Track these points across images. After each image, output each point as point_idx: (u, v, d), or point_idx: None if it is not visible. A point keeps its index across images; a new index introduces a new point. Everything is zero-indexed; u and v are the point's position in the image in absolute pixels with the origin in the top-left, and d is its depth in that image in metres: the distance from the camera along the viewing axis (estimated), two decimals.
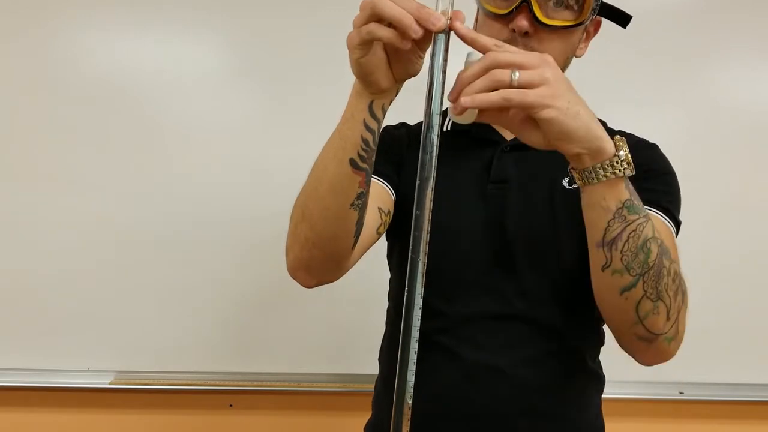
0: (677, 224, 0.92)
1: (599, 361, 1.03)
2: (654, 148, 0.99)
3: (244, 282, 1.64)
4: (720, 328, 1.69)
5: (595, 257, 0.77)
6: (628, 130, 1.02)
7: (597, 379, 1.02)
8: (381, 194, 0.95)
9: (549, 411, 0.95)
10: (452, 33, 0.64)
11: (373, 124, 0.75)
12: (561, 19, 0.87)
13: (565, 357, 0.95)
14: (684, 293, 0.78)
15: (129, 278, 1.61)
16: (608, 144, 0.70)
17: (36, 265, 1.60)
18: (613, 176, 0.70)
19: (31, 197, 1.58)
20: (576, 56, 0.96)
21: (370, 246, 0.94)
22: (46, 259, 1.59)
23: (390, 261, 1.09)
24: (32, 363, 1.61)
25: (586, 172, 0.71)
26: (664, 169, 0.95)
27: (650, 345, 0.79)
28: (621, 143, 0.71)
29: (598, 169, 0.70)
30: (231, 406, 1.72)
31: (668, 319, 0.76)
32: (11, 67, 1.58)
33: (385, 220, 0.94)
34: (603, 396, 1.05)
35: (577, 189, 0.89)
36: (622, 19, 0.94)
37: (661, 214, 0.89)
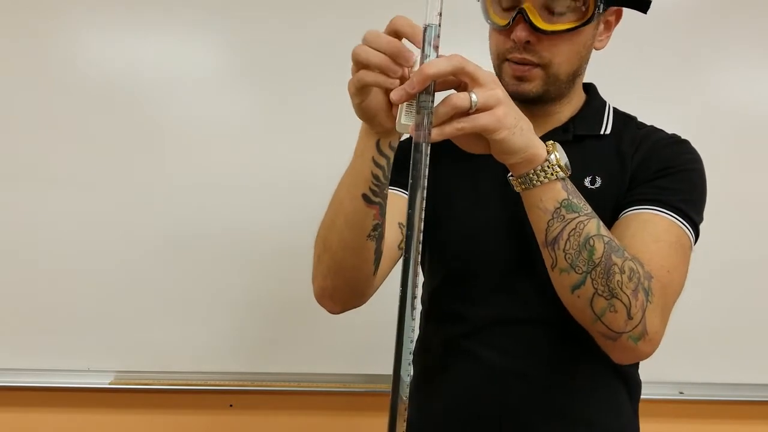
0: (694, 225, 0.89)
1: (634, 364, 1.00)
2: (682, 143, 0.96)
3: (245, 282, 1.64)
4: (720, 328, 1.68)
5: (544, 257, 0.78)
6: (659, 127, 1.00)
7: (628, 383, 0.99)
8: (403, 207, 0.95)
9: (573, 415, 0.94)
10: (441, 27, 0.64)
11: (382, 161, 0.78)
12: (565, 20, 0.86)
13: (590, 360, 0.93)
14: (648, 291, 0.76)
15: (129, 278, 1.62)
16: (541, 150, 0.72)
17: (36, 265, 1.60)
18: (546, 180, 0.73)
19: (31, 197, 1.59)
20: (596, 48, 0.95)
21: (395, 264, 0.95)
22: (46, 259, 1.60)
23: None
24: (32, 363, 1.62)
25: (521, 179, 0.74)
26: (685, 165, 0.93)
27: (615, 343, 0.78)
28: (552, 148, 0.73)
29: (531, 175, 0.73)
30: (231, 406, 1.72)
31: (630, 317, 0.75)
32: (11, 66, 1.58)
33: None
34: None
35: (599, 189, 0.89)
36: (640, 4, 0.92)
37: (671, 214, 0.87)
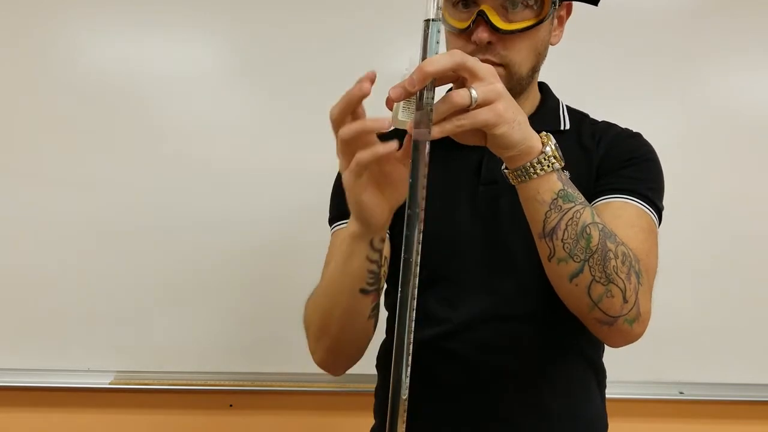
0: (658, 211, 0.92)
1: (602, 352, 1.04)
2: (636, 137, 1.00)
3: (244, 282, 1.64)
4: (720, 328, 1.68)
5: (541, 248, 0.78)
6: (612, 122, 1.03)
7: (597, 372, 1.03)
8: None
9: (557, 410, 0.95)
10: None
11: (376, 256, 0.78)
12: (522, 19, 0.87)
13: (567, 352, 0.96)
14: (639, 274, 0.78)
15: (129, 278, 1.62)
16: (536, 142, 0.72)
17: (36, 264, 1.60)
18: (542, 172, 0.72)
19: (31, 197, 1.59)
20: (551, 44, 0.96)
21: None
22: (46, 259, 1.60)
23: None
24: (32, 363, 1.62)
25: (517, 172, 0.73)
26: (645, 156, 0.95)
27: (611, 328, 0.80)
28: (546, 139, 0.73)
29: (528, 167, 0.72)
30: (231, 406, 1.72)
31: (625, 301, 0.77)
32: (11, 66, 1.58)
33: (385, 272, 0.96)
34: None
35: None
36: None
37: (640, 201, 0.89)
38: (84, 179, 1.59)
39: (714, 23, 1.67)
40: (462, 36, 0.89)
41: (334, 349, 0.87)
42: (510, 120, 0.67)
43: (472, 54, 0.88)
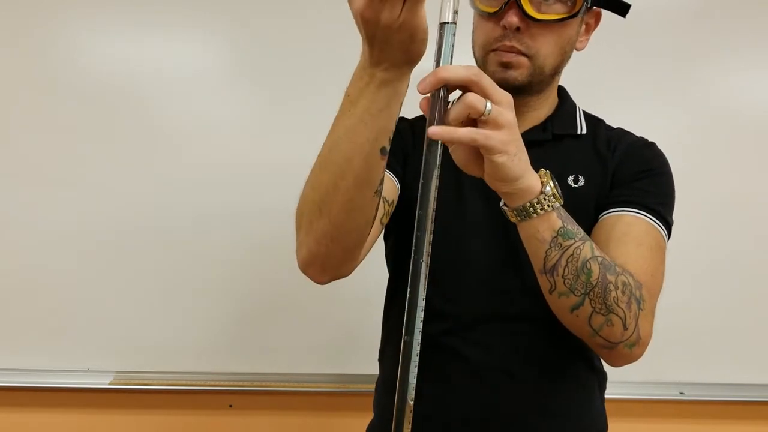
0: (668, 226, 0.93)
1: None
2: (651, 146, 1.00)
3: (244, 282, 1.64)
4: (720, 328, 1.69)
5: (542, 283, 0.80)
6: (627, 129, 1.03)
7: (601, 376, 1.04)
8: (385, 184, 0.93)
9: (557, 410, 0.96)
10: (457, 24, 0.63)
11: (397, 108, 0.71)
12: (553, 12, 0.88)
13: (570, 354, 0.97)
14: (639, 300, 0.80)
15: (129, 278, 1.61)
16: (535, 182, 0.72)
17: (36, 265, 1.59)
18: (543, 212, 0.73)
19: (31, 197, 1.58)
20: (577, 49, 0.97)
21: (377, 238, 0.94)
22: (46, 259, 1.59)
23: (389, 262, 1.08)
24: (32, 363, 1.61)
25: (518, 211, 0.74)
26: (660, 169, 0.96)
27: (612, 351, 0.82)
28: (546, 178, 0.74)
29: (528, 207, 0.73)
30: (231, 406, 1.72)
31: (625, 328, 0.79)
32: (11, 66, 1.57)
33: (388, 210, 0.94)
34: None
35: (582, 188, 0.90)
36: (620, 8, 0.94)
37: (650, 216, 0.90)
38: (84, 179, 1.59)
39: (714, 23, 1.67)
40: (491, 19, 0.90)
41: (331, 235, 0.78)
42: (512, 152, 0.68)
43: (498, 40, 0.89)
